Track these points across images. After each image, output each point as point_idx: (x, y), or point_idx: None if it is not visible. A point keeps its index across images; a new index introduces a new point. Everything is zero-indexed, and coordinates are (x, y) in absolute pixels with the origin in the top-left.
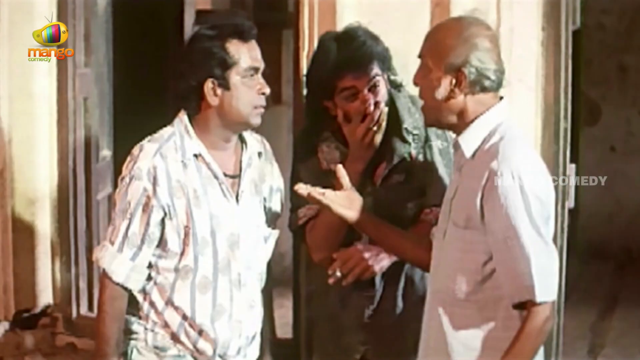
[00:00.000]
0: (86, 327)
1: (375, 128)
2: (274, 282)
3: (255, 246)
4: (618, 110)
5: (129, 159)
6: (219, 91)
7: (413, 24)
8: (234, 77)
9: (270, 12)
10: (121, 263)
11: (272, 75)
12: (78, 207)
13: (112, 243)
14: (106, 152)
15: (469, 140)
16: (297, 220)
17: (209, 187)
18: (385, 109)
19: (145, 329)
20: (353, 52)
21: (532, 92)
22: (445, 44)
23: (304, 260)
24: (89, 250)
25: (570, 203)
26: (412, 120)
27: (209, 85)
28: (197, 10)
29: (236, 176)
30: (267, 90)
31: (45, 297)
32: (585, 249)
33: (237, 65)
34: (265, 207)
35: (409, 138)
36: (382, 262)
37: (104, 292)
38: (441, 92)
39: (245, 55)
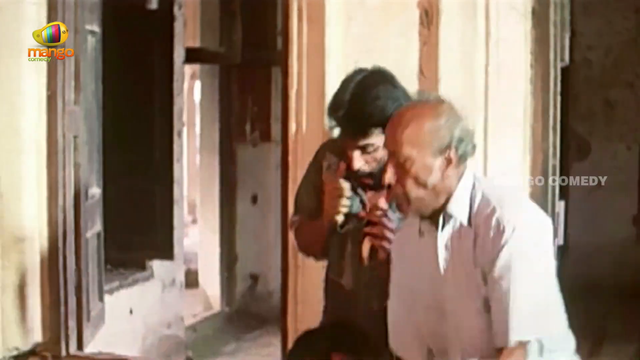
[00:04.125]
0: None
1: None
2: (262, 320)
3: None
4: (605, 145)
5: None
6: None
7: (401, 63)
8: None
9: (259, 50)
10: None
11: (260, 113)
12: (67, 245)
13: None
14: (95, 190)
15: (460, 208)
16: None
17: None
18: None
19: None
20: (349, 114)
21: (520, 130)
22: (426, 130)
23: (293, 299)
24: (78, 289)
25: (559, 240)
26: None
27: None
28: (186, 48)
29: None
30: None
31: (35, 335)
32: (574, 285)
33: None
34: None
35: None
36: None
37: None
38: (435, 177)
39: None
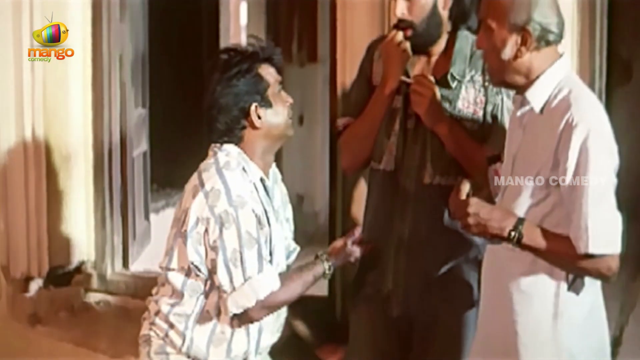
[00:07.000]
0: (120, 284)
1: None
2: (308, 240)
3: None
4: None
5: (215, 193)
6: (261, 111)
7: None
8: (270, 96)
9: None
10: (271, 275)
11: (307, 32)
12: (113, 165)
13: (248, 275)
14: (141, 109)
15: (538, 96)
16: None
17: (269, 208)
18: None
19: None
20: None
21: (567, 52)
22: (506, 4)
23: (340, 217)
24: (124, 207)
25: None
26: (462, 66)
27: (252, 109)
28: None
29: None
30: (291, 100)
31: (80, 254)
32: (621, 208)
33: (271, 85)
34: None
35: (453, 84)
36: None
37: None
38: (507, 53)
39: (273, 74)
